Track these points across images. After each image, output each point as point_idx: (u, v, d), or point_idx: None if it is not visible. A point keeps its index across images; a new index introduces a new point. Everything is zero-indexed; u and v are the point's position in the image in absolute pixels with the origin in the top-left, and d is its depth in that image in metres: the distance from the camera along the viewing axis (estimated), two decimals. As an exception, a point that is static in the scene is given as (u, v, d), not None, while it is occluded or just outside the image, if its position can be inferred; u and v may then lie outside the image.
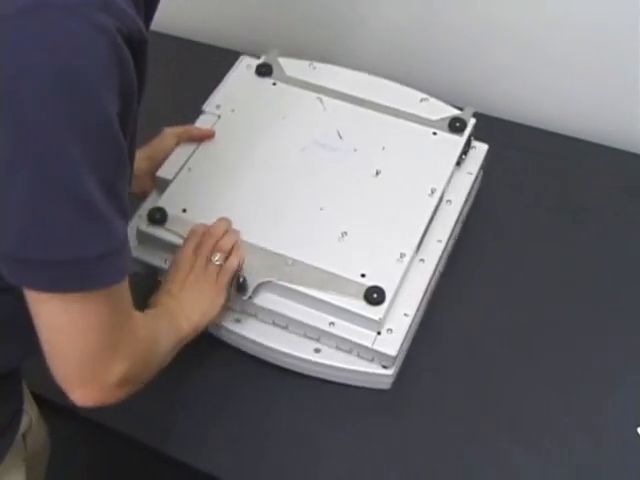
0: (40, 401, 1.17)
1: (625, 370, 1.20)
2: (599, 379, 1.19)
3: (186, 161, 1.28)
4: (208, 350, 1.22)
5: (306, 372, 1.18)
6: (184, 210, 1.23)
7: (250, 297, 1.15)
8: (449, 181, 1.27)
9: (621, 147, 1.46)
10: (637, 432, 1.13)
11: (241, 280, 1.14)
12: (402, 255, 1.17)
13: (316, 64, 1.41)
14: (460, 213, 1.28)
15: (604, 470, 1.11)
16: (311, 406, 1.18)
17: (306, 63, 1.41)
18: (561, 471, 1.11)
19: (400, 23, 1.54)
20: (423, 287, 1.18)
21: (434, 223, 1.23)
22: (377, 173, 1.26)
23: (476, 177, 1.32)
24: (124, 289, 0.86)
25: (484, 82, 1.53)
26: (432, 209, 1.22)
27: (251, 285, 1.15)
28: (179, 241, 1.19)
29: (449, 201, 1.27)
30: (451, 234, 1.25)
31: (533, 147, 1.45)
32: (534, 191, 1.40)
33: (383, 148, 1.29)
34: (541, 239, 1.34)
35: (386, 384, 1.17)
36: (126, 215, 0.84)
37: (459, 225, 1.30)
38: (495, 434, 1.14)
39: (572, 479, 1.11)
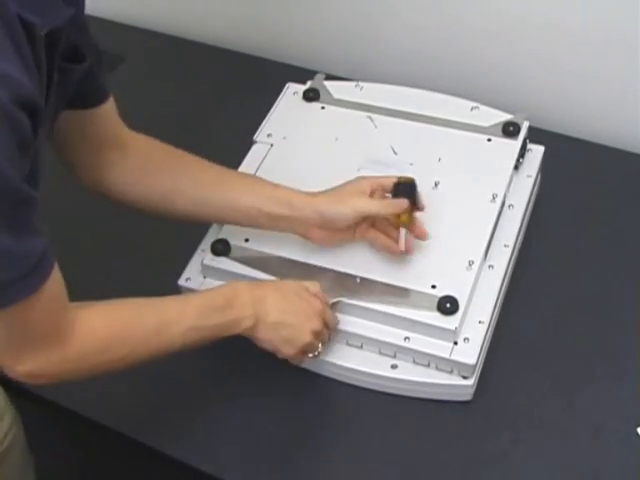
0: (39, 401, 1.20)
1: (625, 370, 1.18)
2: (599, 379, 1.18)
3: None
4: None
5: (384, 389, 1.17)
6: (246, 240, 1.23)
7: (322, 319, 1.15)
8: (509, 186, 1.26)
9: (621, 147, 1.45)
10: (637, 432, 1.12)
11: None
12: (471, 263, 1.15)
13: (362, 84, 1.41)
14: (523, 217, 1.26)
15: (604, 470, 1.09)
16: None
17: (352, 84, 1.41)
18: (561, 471, 1.10)
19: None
20: (495, 293, 1.17)
21: (499, 229, 1.22)
22: (436, 185, 1.25)
23: (535, 180, 1.30)
24: (41, 297, 0.88)
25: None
26: (496, 214, 1.21)
27: (322, 307, 1.14)
28: (244, 271, 1.20)
29: (511, 205, 1.25)
30: (517, 238, 1.24)
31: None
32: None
33: (439, 159, 1.28)
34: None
35: (467, 395, 1.15)
36: (38, 232, 0.87)
37: (523, 229, 1.29)
38: (492, 434, 1.14)
39: (572, 479, 1.09)
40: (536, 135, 1.34)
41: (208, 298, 1.08)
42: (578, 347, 1.21)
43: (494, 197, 1.22)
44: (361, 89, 1.40)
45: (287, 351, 1.10)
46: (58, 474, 1.54)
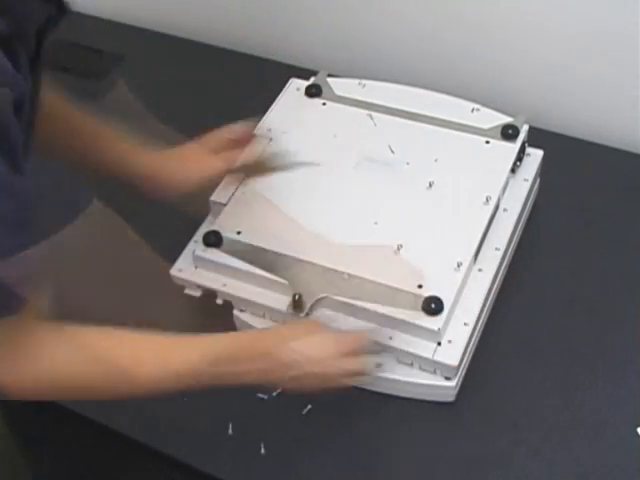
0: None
1: (625, 370, 1.18)
2: (599, 379, 1.17)
3: (239, 184, 1.28)
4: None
5: (368, 387, 1.17)
6: (239, 232, 1.23)
7: (307, 314, 1.15)
8: (504, 189, 1.25)
9: (621, 147, 1.45)
10: (637, 432, 1.12)
11: (297, 297, 1.14)
12: (459, 264, 1.15)
13: (365, 82, 1.41)
14: (518, 221, 1.26)
15: (604, 470, 1.09)
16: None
17: (355, 82, 1.41)
18: (561, 471, 1.09)
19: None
20: (482, 296, 1.16)
21: (491, 232, 1.21)
22: (430, 185, 1.25)
23: (532, 184, 1.30)
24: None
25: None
26: (488, 217, 1.20)
27: (307, 302, 1.14)
28: (235, 263, 1.20)
29: (505, 209, 1.25)
30: (509, 242, 1.23)
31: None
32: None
33: (436, 160, 1.28)
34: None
35: (450, 396, 1.15)
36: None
37: (518, 233, 1.29)
38: (495, 434, 1.13)
39: (572, 479, 1.09)
40: (536, 136, 1.33)
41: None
42: (578, 348, 1.21)
43: (488, 200, 1.21)
44: (363, 87, 1.40)
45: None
46: (56, 474, 1.55)
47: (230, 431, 1.17)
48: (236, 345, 1.05)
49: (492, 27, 1.48)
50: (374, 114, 1.35)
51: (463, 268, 1.15)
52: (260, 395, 1.19)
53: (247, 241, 1.22)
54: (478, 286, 1.17)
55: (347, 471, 1.12)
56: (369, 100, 1.37)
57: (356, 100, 1.38)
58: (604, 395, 1.16)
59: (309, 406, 1.18)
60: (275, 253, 1.20)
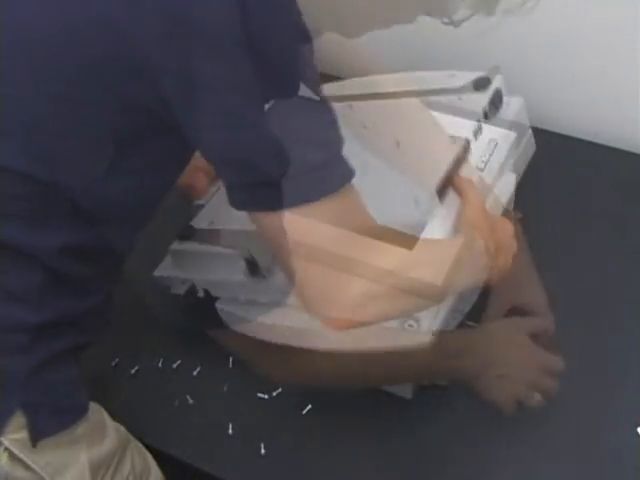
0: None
1: (625, 370, 1.17)
2: (599, 379, 1.16)
3: (219, 186, 1.25)
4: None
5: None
6: (211, 222, 1.20)
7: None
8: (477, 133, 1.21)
9: (621, 147, 1.44)
10: (637, 432, 1.11)
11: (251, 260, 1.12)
12: None
13: (343, 82, 1.37)
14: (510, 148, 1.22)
15: (604, 470, 1.08)
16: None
17: (336, 85, 1.38)
18: (561, 471, 1.09)
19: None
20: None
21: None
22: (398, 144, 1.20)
23: (521, 129, 1.28)
24: (346, 205, 0.88)
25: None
26: (454, 155, 1.13)
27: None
28: (209, 249, 1.17)
29: (497, 143, 1.21)
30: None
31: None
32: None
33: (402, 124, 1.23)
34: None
35: (407, 393, 1.14)
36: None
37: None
38: (495, 434, 1.13)
39: (572, 479, 1.08)
40: (536, 135, 1.34)
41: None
42: (577, 348, 1.17)
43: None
44: (342, 86, 1.35)
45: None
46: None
47: (230, 431, 1.17)
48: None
49: (492, 28, 1.48)
50: (353, 103, 1.32)
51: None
52: (260, 395, 1.19)
53: (218, 227, 1.18)
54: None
55: (347, 471, 1.12)
56: (348, 93, 1.34)
57: (336, 96, 1.35)
58: (604, 395, 1.15)
59: (309, 406, 1.18)
60: (250, 232, 1.14)
